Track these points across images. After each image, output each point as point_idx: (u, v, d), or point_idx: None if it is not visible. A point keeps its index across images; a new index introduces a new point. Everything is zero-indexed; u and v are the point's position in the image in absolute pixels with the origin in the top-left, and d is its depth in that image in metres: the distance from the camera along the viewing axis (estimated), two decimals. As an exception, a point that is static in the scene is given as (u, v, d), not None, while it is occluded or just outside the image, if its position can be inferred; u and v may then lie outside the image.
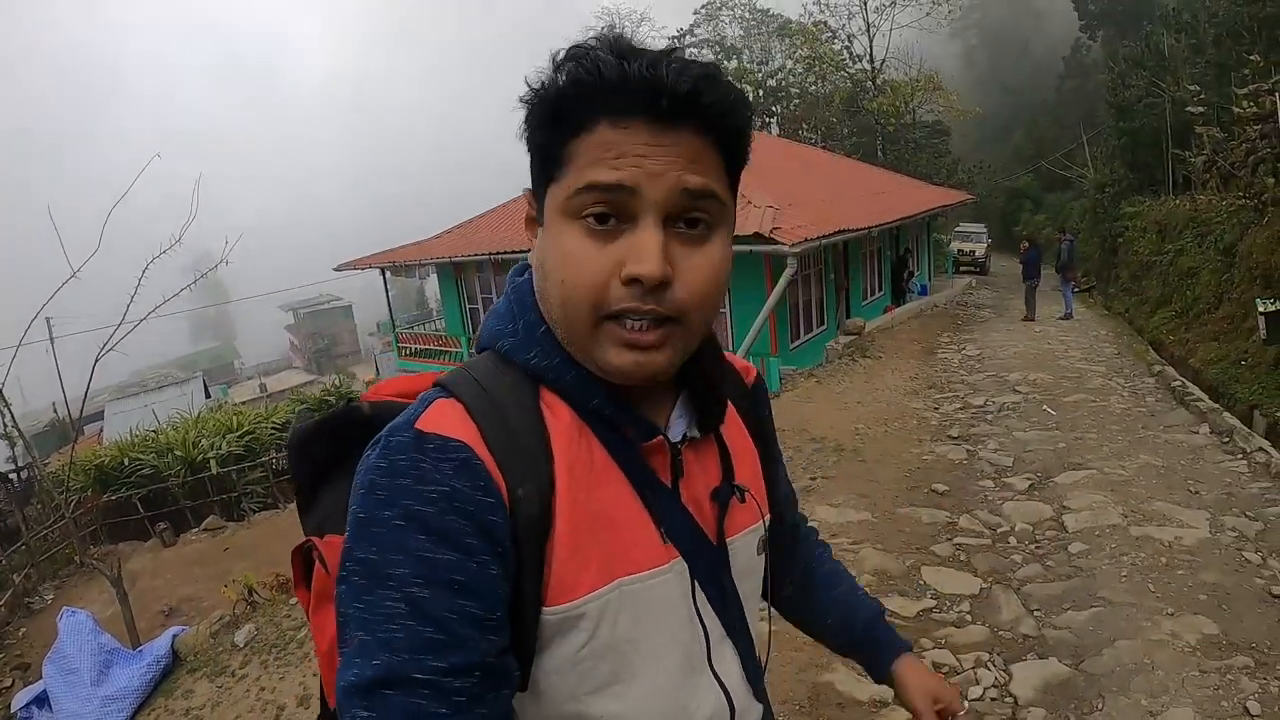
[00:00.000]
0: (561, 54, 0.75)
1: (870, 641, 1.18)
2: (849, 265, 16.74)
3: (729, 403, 0.93)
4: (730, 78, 0.78)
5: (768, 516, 0.95)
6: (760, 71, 34.17)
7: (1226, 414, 7.31)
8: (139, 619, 6.53)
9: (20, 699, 5.32)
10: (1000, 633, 3.72)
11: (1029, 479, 5.69)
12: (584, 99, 0.74)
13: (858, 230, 13.17)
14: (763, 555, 0.96)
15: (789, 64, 34.19)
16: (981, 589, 4.13)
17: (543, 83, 0.76)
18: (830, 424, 7.57)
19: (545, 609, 0.75)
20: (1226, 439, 6.38)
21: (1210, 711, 3.06)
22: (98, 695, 4.86)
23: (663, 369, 0.78)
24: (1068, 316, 14.66)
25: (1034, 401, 7.89)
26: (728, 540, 0.89)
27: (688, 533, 0.84)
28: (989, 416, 7.50)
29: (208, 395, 28.34)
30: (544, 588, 0.75)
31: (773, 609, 1.15)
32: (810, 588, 1.19)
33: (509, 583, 0.72)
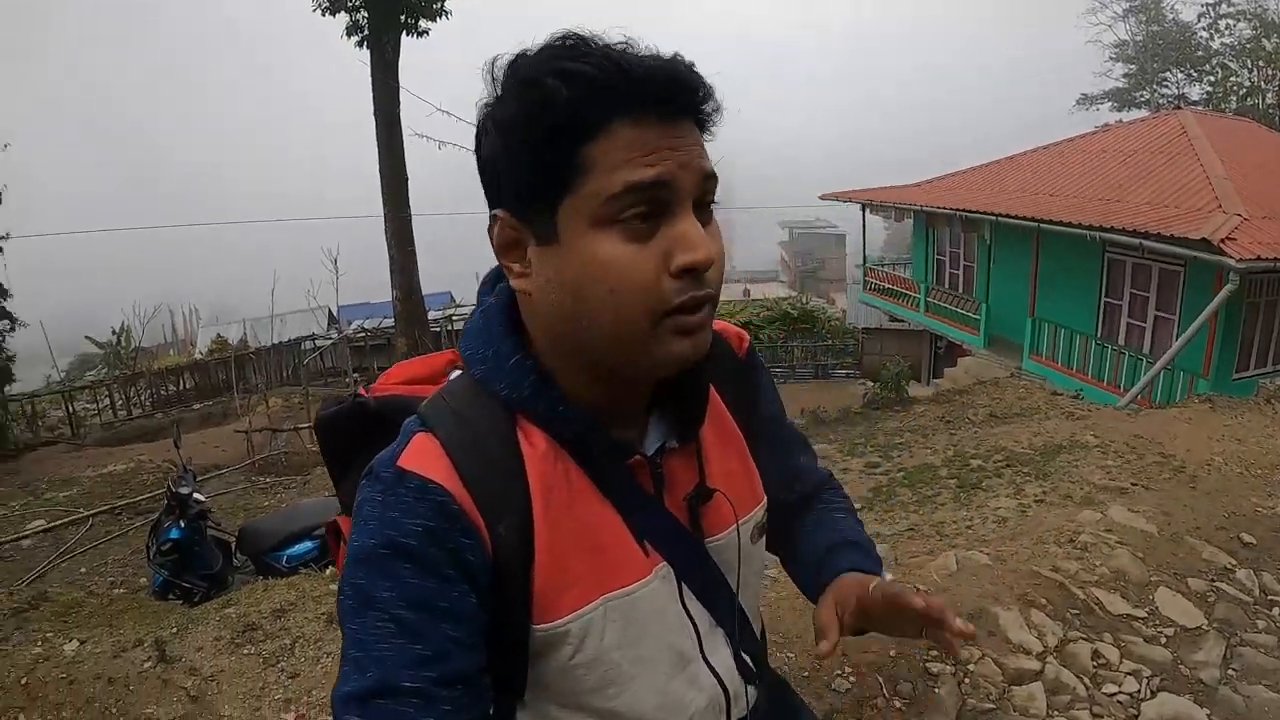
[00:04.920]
0: (543, 58, 0.72)
1: (824, 566, 1.02)
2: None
3: (712, 387, 0.93)
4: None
5: (763, 501, 0.97)
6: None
7: None
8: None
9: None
10: (1180, 665, 3.55)
11: (1365, 574, 4.92)
12: (601, 101, 0.70)
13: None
14: (762, 539, 0.98)
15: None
16: (1199, 626, 3.84)
17: (541, 91, 0.70)
18: (1188, 447, 6.87)
19: (535, 627, 0.79)
20: None
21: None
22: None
23: (707, 346, 0.79)
24: None
25: None
26: (714, 536, 0.90)
27: (672, 537, 0.87)
28: (1399, 508, 6.30)
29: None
30: (531, 608, 0.78)
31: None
32: (794, 538, 1.10)
33: (487, 612, 0.76)
